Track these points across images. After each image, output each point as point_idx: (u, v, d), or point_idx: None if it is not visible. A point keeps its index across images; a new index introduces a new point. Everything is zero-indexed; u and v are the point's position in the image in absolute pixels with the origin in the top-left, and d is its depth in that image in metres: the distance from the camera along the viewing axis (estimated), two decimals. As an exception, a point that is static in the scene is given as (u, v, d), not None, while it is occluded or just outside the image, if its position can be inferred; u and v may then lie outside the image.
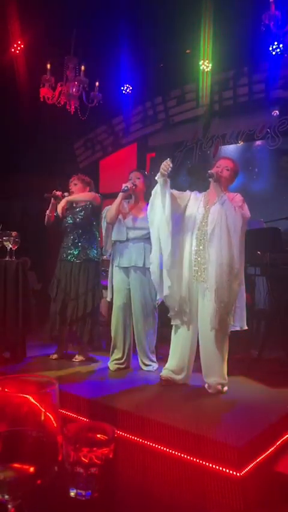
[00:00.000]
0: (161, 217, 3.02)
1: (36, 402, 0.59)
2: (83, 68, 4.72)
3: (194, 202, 3.08)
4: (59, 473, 0.62)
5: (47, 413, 0.60)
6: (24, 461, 0.57)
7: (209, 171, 3.04)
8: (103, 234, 3.64)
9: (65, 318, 3.66)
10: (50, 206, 3.89)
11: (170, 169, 2.92)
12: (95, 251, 3.74)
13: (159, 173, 2.97)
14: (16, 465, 0.56)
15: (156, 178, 3.01)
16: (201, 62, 5.64)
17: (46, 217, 3.91)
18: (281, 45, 4.63)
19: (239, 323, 2.93)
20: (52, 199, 3.88)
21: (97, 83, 4.83)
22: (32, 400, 0.58)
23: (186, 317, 3.04)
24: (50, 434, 0.60)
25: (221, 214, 2.90)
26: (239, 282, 2.92)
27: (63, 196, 3.84)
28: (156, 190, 3.05)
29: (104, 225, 3.59)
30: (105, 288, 3.88)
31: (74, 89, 4.76)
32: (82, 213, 3.74)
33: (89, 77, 4.85)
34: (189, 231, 3.04)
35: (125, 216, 3.54)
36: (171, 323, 3.12)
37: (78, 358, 3.72)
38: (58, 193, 3.86)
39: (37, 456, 0.58)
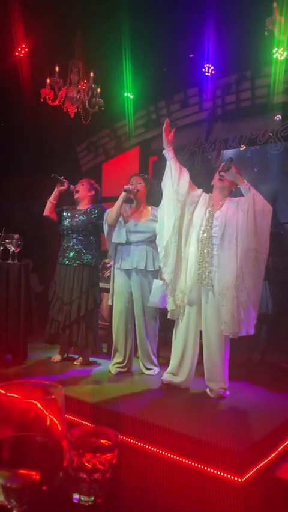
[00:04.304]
0: (169, 189, 3.12)
1: (42, 408, 0.59)
2: (92, 74, 4.75)
3: (203, 203, 3.11)
4: (62, 479, 0.62)
5: (53, 419, 0.60)
6: (30, 466, 0.57)
7: (229, 158, 3.09)
8: (105, 237, 3.65)
9: (60, 322, 3.65)
10: (53, 193, 3.90)
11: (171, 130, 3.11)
12: (90, 256, 3.72)
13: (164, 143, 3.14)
14: (22, 471, 0.57)
15: (163, 152, 3.18)
16: (204, 67, 5.67)
17: (47, 204, 3.88)
18: (281, 50, 4.64)
19: (245, 328, 2.92)
20: (56, 187, 3.89)
21: (98, 89, 4.85)
22: (39, 406, 0.59)
23: (186, 317, 3.04)
24: (55, 439, 0.60)
25: (248, 200, 2.93)
26: (263, 270, 2.94)
27: (69, 186, 3.88)
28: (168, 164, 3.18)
29: (105, 227, 3.60)
30: (106, 291, 3.88)
31: (76, 94, 4.78)
32: (82, 217, 3.74)
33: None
34: (195, 231, 3.05)
35: (126, 219, 3.55)
36: (168, 317, 3.12)
37: (79, 361, 3.72)
38: (65, 181, 3.89)
39: (43, 462, 0.58)
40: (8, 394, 0.60)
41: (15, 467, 0.56)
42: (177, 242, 3.05)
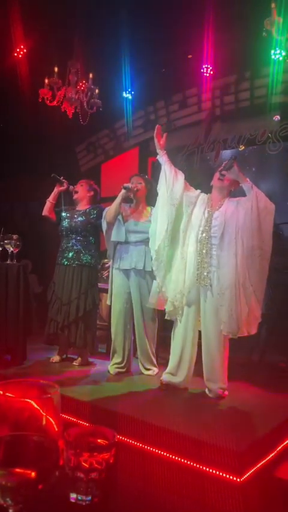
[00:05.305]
0: (163, 193, 3.12)
1: (38, 407, 0.59)
2: (91, 75, 4.76)
3: (201, 204, 3.11)
4: (59, 478, 0.62)
5: (49, 418, 0.60)
6: (26, 465, 0.57)
7: (232, 156, 3.10)
8: (104, 235, 3.65)
9: (59, 322, 3.65)
10: (52, 193, 3.90)
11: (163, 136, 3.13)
12: (89, 256, 3.71)
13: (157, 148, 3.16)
14: (18, 470, 0.57)
15: (157, 157, 3.19)
16: (203, 67, 5.68)
17: (46, 204, 3.88)
18: (280, 50, 4.64)
19: (246, 327, 2.91)
20: (55, 187, 3.89)
21: (97, 90, 4.85)
22: (34, 405, 0.59)
23: (184, 318, 3.04)
24: (51, 438, 0.60)
25: (251, 198, 2.92)
26: (267, 267, 2.94)
27: (68, 186, 3.88)
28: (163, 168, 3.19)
29: (104, 225, 3.60)
30: (105, 291, 3.88)
31: (75, 94, 4.79)
32: (81, 218, 3.75)
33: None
34: (194, 231, 3.05)
35: (126, 219, 3.55)
36: (166, 317, 3.13)
37: (78, 361, 3.72)
38: (65, 181, 3.89)
39: (38, 461, 0.58)
40: (4, 393, 0.60)
41: (11, 465, 0.56)
42: (169, 246, 3.05)
